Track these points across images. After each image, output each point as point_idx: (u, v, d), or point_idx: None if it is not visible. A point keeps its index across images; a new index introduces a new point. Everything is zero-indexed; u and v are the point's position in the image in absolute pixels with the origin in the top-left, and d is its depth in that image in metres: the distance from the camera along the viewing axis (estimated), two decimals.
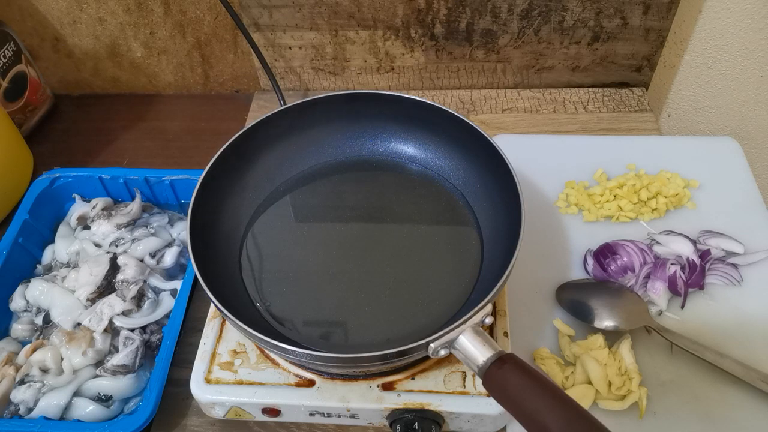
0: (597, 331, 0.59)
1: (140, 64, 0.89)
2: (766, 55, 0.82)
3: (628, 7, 0.77)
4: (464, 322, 0.45)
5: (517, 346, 0.58)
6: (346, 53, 0.84)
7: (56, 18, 0.84)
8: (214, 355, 0.55)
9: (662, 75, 0.88)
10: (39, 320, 0.64)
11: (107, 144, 0.87)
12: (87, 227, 0.71)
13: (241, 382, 0.53)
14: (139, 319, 0.62)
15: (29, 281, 0.66)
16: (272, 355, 0.55)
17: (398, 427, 0.52)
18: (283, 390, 0.53)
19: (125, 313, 0.62)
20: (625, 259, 0.64)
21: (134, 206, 0.71)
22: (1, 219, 0.76)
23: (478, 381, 0.48)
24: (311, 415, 0.54)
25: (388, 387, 0.52)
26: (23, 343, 0.64)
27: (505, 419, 0.53)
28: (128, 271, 0.64)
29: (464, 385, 0.52)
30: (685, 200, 0.69)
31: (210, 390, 0.53)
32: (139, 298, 0.63)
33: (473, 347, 0.44)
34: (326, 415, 0.53)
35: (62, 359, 0.60)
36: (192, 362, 0.55)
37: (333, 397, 0.52)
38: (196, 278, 0.51)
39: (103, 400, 0.59)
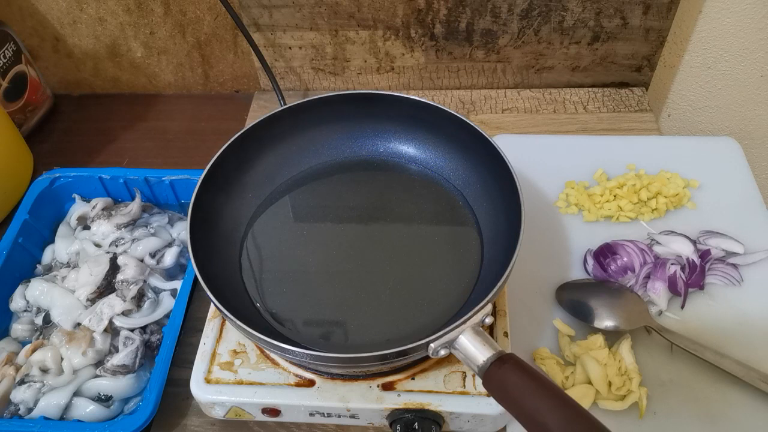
0: (597, 331, 0.59)
1: (140, 64, 0.89)
2: (766, 55, 0.82)
3: (628, 7, 0.77)
4: (464, 322, 0.45)
5: (517, 346, 0.58)
6: (346, 53, 0.84)
7: (56, 18, 0.84)
8: (214, 355, 0.55)
9: (662, 75, 0.88)
10: (39, 320, 0.64)
11: (107, 144, 0.87)
12: (87, 227, 0.71)
13: (241, 382, 0.53)
14: (139, 319, 0.62)
15: (29, 281, 0.66)
16: (272, 355, 0.55)
17: (398, 427, 0.52)
18: (283, 390, 0.53)
19: (125, 313, 0.62)
20: (625, 259, 0.64)
21: (134, 206, 0.71)
22: (1, 219, 0.76)
23: (478, 381, 0.48)
24: (311, 415, 0.54)
25: (388, 387, 0.52)
26: (23, 343, 0.64)
27: (505, 419, 0.53)
28: (128, 271, 0.64)
29: (464, 385, 0.52)
30: (685, 200, 0.69)
31: (210, 390, 0.53)
32: (139, 298, 0.63)
33: (473, 347, 0.44)
34: (326, 415, 0.53)
35: (62, 359, 0.60)
36: (192, 362, 0.55)
37: (333, 397, 0.52)
38: (196, 278, 0.51)
39: (103, 400, 0.59)
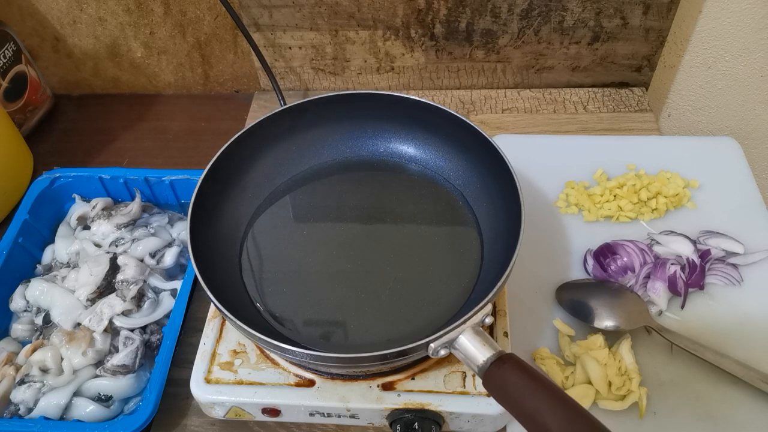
0: (597, 331, 0.59)
1: (140, 64, 0.89)
2: (766, 55, 0.82)
3: (628, 7, 0.77)
4: (464, 322, 0.45)
5: (517, 346, 0.58)
6: (346, 53, 0.84)
7: (56, 18, 0.84)
8: (214, 355, 0.55)
9: (662, 75, 0.88)
10: (39, 320, 0.64)
11: (107, 144, 0.87)
12: (87, 227, 0.71)
13: (241, 382, 0.53)
14: (139, 319, 0.62)
15: (29, 281, 0.66)
16: (272, 355, 0.55)
17: (398, 427, 0.52)
18: (283, 390, 0.53)
19: (125, 313, 0.62)
20: (625, 259, 0.64)
21: (134, 206, 0.71)
22: (1, 219, 0.76)
23: (478, 381, 0.48)
24: (311, 415, 0.54)
25: (388, 387, 0.52)
26: (23, 343, 0.64)
27: (505, 419, 0.53)
28: (128, 271, 0.64)
29: (464, 385, 0.52)
30: (685, 200, 0.69)
31: (210, 390, 0.53)
32: (139, 298, 0.63)
33: (473, 347, 0.44)
34: (326, 415, 0.53)
35: (62, 359, 0.60)
36: (192, 362, 0.55)
37: (333, 397, 0.52)
38: (196, 278, 0.51)
39: (103, 400, 0.59)
